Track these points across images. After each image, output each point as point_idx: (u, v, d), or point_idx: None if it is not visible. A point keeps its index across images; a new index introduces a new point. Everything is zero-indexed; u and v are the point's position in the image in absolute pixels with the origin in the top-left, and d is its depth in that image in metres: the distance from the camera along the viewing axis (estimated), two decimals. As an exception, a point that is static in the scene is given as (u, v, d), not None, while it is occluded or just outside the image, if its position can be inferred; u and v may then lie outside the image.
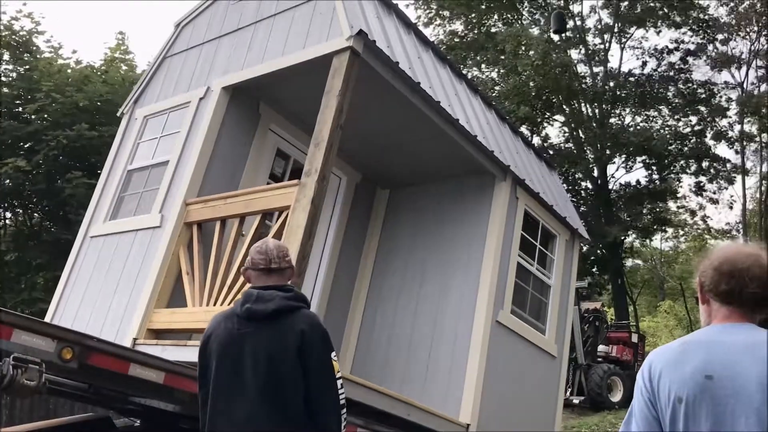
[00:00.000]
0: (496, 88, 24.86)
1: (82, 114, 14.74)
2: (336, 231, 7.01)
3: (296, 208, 4.86)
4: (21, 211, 16.52)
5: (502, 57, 24.08)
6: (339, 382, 2.69)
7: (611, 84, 26.02)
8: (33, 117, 14.62)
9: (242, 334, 2.69)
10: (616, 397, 15.01)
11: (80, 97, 14.71)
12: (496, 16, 26.48)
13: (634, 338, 17.63)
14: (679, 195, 26.82)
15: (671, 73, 26.14)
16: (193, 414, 4.10)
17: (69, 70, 15.78)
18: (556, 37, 23.29)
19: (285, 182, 5.57)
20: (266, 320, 2.69)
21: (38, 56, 15.89)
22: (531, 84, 23.45)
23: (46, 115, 14.79)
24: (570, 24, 25.86)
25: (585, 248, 19.87)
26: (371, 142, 6.69)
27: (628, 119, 26.75)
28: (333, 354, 2.72)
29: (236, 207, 5.39)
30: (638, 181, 26.16)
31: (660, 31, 26.35)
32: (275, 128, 6.45)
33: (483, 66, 26.64)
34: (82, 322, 5.80)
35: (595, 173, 25.71)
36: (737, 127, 26.37)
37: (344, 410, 2.68)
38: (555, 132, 28.23)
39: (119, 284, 5.81)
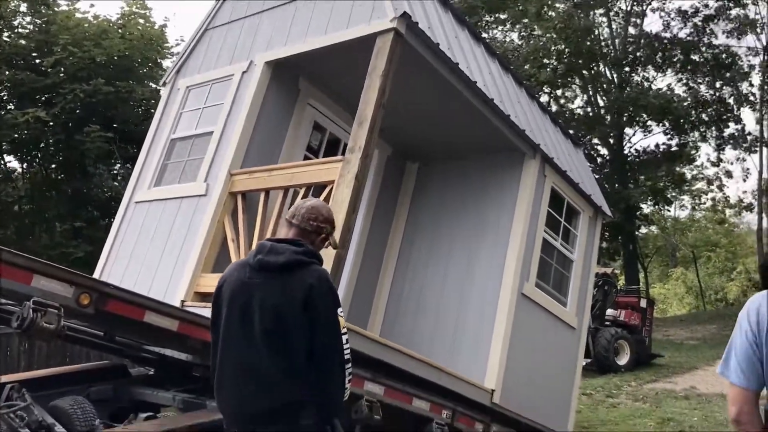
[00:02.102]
0: (516, 51, 24.69)
1: (99, 69, 14.91)
2: (367, 202, 7.27)
3: (341, 183, 5.09)
4: (37, 162, 16.77)
5: (525, 19, 23.89)
6: (344, 337, 2.73)
7: (633, 46, 25.83)
8: (50, 70, 14.78)
9: (252, 284, 2.75)
10: (623, 360, 15.30)
11: (97, 52, 14.85)
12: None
13: (643, 303, 17.77)
14: (696, 163, 26.86)
15: (695, 38, 25.90)
16: (205, 363, 4.31)
17: (86, 25, 15.86)
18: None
19: (330, 158, 5.80)
20: (276, 272, 2.73)
21: (55, 9, 15.96)
22: (552, 48, 23.32)
23: (63, 69, 14.93)
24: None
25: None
26: (404, 118, 6.89)
27: (648, 81, 26.63)
28: (339, 310, 2.76)
29: (280, 179, 5.65)
30: (657, 145, 26.20)
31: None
32: (313, 102, 6.66)
33: (505, 26, 26.41)
34: (128, 283, 6.07)
35: (612, 138, 25.74)
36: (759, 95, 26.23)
37: (349, 365, 2.74)
38: (573, 95, 28.14)
39: (166, 248, 6.11)
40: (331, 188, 5.19)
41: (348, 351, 2.75)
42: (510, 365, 6.33)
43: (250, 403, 2.69)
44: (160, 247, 6.16)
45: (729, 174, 27.31)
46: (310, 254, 2.83)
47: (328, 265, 4.76)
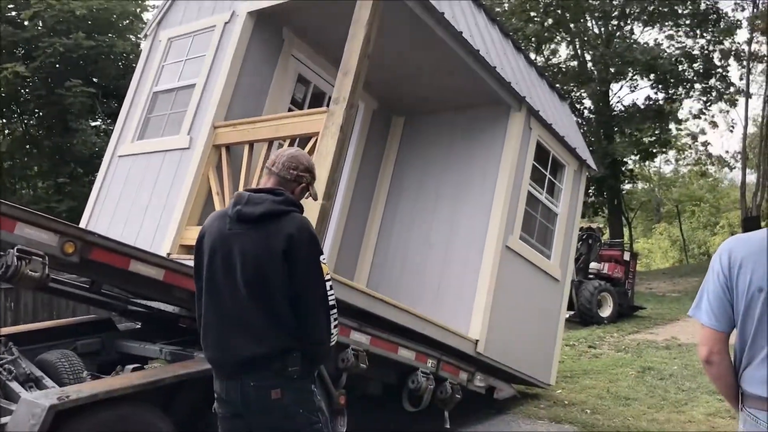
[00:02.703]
0: (506, 5, 24.31)
1: (78, 22, 14.59)
2: (353, 156, 7.25)
3: (325, 134, 5.03)
4: (17, 118, 16.50)
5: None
6: (328, 284, 2.71)
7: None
8: (27, 23, 14.44)
9: (232, 235, 2.73)
10: (606, 312, 15.53)
11: (76, 5, 14.51)
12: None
13: (626, 256, 17.95)
14: (681, 118, 26.87)
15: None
16: (192, 314, 4.30)
17: None
18: None
19: (314, 109, 5.74)
20: (255, 222, 2.71)
21: None
22: (540, 1, 23.02)
23: (41, 22, 14.60)
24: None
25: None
26: (390, 71, 6.81)
27: (636, 35, 26.45)
28: (322, 257, 2.74)
29: (265, 132, 5.59)
30: (649, 97, 26.13)
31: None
32: (297, 54, 6.57)
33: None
34: (113, 237, 6.08)
35: (599, 93, 25.62)
36: (745, 49, 26.21)
37: (334, 311, 2.72)
38: (560, 50, 27.90)
39: (150, 202, 6.08)
40: (316, 140, 5.15)
41: (333, 297, 2.74)
42: (494, 316, 6.42)
43: (237, 352, 2.70)
44: (145, 201, 6.13)
45: (714, 124, 27.45)
46: (289, 202, 2.80)
47: (313, 217, 4.78)
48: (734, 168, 29.99)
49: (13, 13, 15.10)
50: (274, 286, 2.67)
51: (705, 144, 29.42)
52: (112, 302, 5.45)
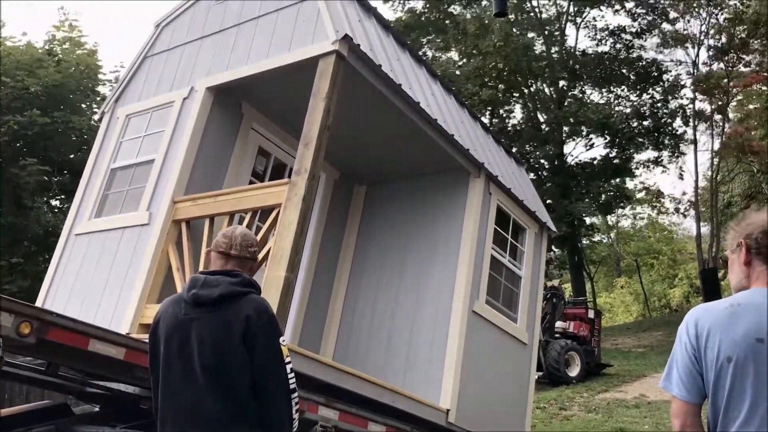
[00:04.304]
0: (457, 72, 25.05)
1: (32, 99, 14.50)
2: (316, 226, 7.22)
3: (288, 206, 5.03)
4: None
5: (463, 38, 24.33)
6: (288, 366, 2.66)
7: (569, 63, 26.58)
8: (-19, 102, 14.32)
9: (188, 320, 2.67)
10: (574, 372, 15.54)
11: (31, 82, 14.46)
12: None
13: (591, 314, 18.14)
14: (635, 172, 27.72)
15: (625, 54, 26.86)
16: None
17: (19, 54, 15.42)
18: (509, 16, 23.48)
19: (275, 181, 5.74)
20: (212, 306, 2.66)
21: None
22: (492, 66, 23.79)
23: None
24: (528, 5, 26.32)
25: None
26: (350, 141, 6.89)
27: (586, 95, 27.47)
28: (282, 339, 2.70)
29: (226, 205, 5.56)
30: (606, 156, 26.89)
31: (617, 10, 27.06)
32: (257, 127, 6.61)
33: (444, 46, 26.82)
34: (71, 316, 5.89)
35: (554, 153, 26.31)
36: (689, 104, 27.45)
37: (295, 395, 2.67)
38: (515, 112, 28.74)
39: (109, 280, 5.93)
40: (278, 211, 5.13)
41: (293, 380, 2.68)
42: (464, 384, 6.33)
43: None
44: (103, 280, 5.98)
45: (665, 168, 28.41)
46: (246, 283, 2.76)
47: (277, 289, 4.72)
48: (687, 215, 30.95)
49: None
50: (233, 372, 2.60)
51: (658, 195, 30.37)
52: (69, 384, 5.23)
